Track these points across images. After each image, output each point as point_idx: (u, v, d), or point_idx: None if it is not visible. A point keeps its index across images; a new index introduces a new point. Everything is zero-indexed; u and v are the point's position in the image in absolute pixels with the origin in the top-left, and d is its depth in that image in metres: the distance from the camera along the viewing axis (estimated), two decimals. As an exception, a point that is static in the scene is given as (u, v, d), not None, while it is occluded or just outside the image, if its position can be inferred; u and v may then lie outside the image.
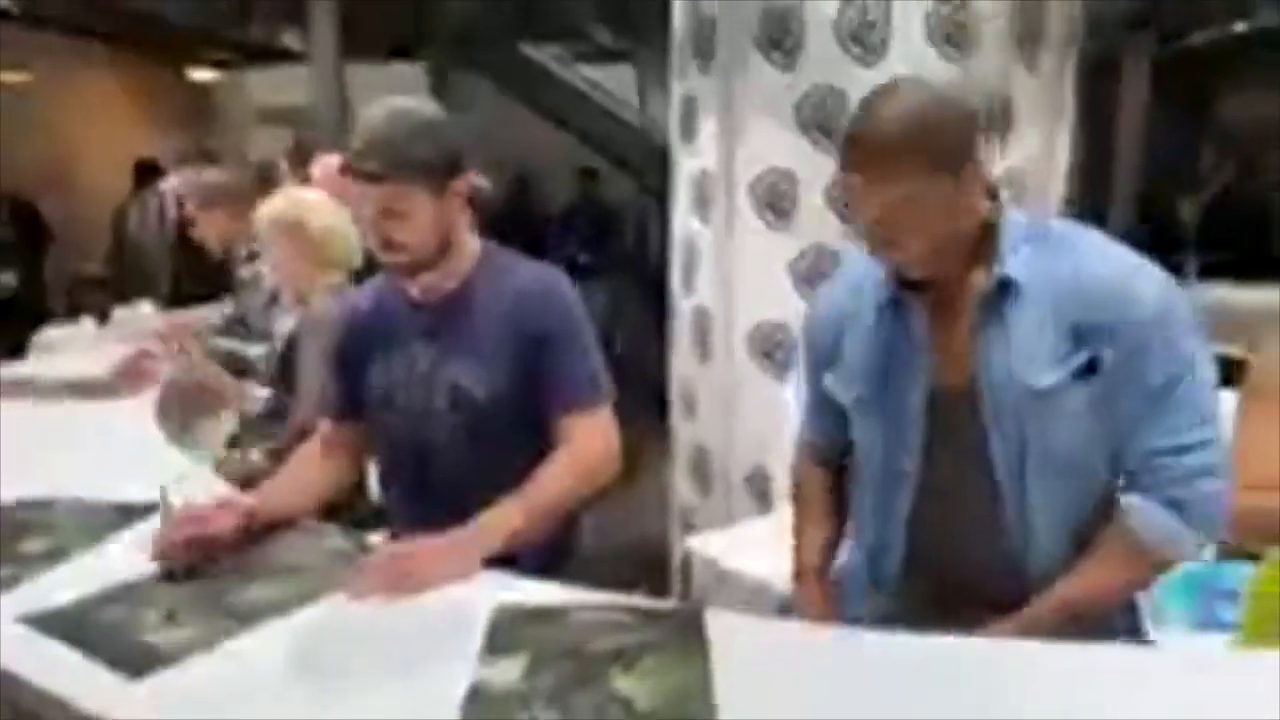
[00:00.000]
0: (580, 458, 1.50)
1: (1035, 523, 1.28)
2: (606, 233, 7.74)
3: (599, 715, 1.01)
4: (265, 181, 3.86)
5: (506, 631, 1.19)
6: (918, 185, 1.18)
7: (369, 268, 1.87)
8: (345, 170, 1.46)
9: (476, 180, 1.54)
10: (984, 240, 1.27)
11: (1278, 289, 5.10)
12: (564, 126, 8.33)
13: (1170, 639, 1.95)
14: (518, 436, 1.53)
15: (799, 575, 1.50)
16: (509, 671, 1.09)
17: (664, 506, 3.38)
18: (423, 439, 1.56)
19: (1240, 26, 8.42)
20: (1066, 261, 1.24)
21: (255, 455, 2.13)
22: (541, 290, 1.55)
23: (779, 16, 2.64)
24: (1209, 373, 1.25)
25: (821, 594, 1.46)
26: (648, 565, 3.34)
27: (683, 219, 3.16)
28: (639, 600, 1.28)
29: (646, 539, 3.45)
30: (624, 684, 1.07)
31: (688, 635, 1.18)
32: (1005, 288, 1.25)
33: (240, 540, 1.44)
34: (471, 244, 1.58)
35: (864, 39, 2.56)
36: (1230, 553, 2.28)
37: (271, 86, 8.97)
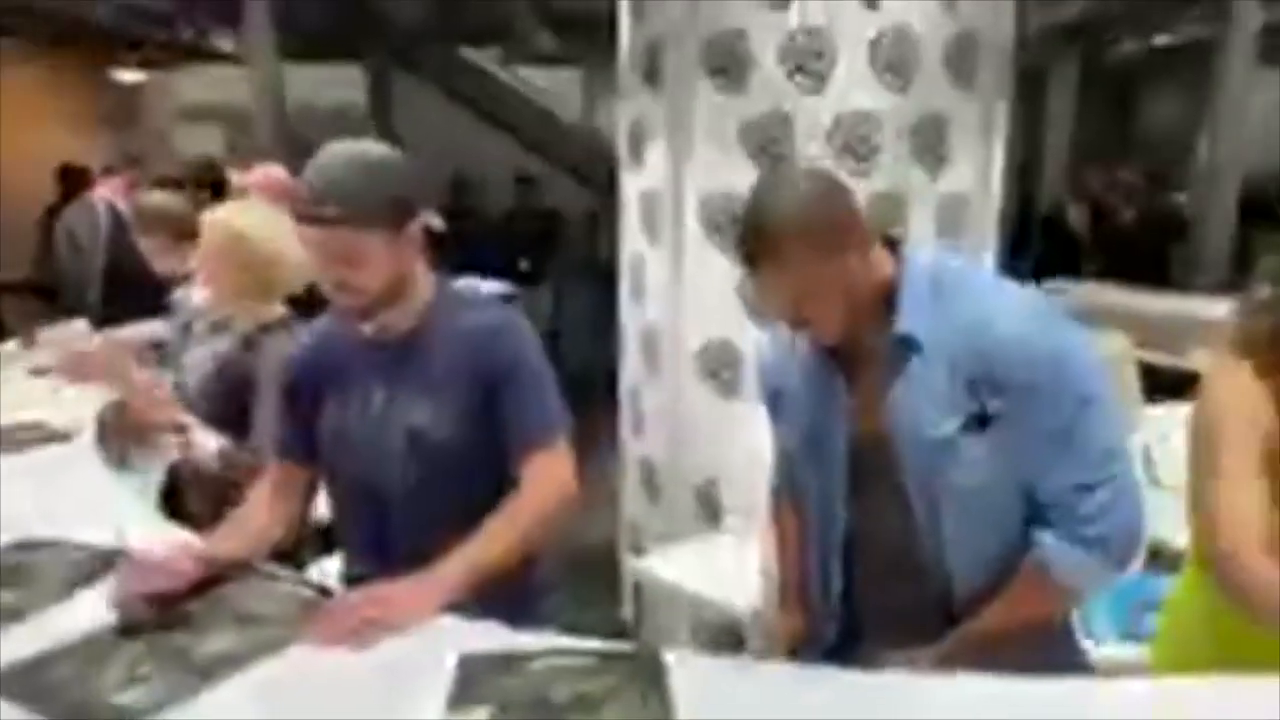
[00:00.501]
0: (539, 498, 1.51)
1: (954, 561, 1.35)
2: (549, 238, 7.71)
3: None
4: (209, 182, 3.75)
5: (471, 682, 1.19)
6: (815, 269, 1.26)
7: (310, 301, 1.83)
8: (300, 218, 1.44)
9: (431, 220, 1.54)
10: (889, 294, 1.33)
11: (1191, 297, 5.33)
12: (506, 130, 8.30)
13: (1098, 649, 2.04)
14: (475, 477, 1.53)
15: (784, 604, 1.59)
16: None
17: (613, 513, 3.41)
18: (378, 481, 1.56)
19: (1162, 39, 8.75)
20: (963, 311, 1.30)
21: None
22: (497, 329, 1.55)
23: (724, 43, 2.68)
24: (1111, 407, 1.32)
25: (803, 626, 1.54)
26: (597, 573, 3.38)
27: (631, 238, 3.19)
28: (598, 644, 1.30)
29: (595, 546, 3.47)
30: None
31: (648, 680, 1.20)
32: (905, 343, 1.31)
33: (196, 587, 1.43)
34: (426, 283, 1.58)
35: (808, 66, 2.62)
36: (1156, 565, 2.39)
37: (199, 85, 8.76)
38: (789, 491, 1.58)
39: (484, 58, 8.77)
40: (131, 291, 3.28)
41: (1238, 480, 1.37)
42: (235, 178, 3.56)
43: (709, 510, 2.97)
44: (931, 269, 1.34)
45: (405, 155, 1.50)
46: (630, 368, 3.27)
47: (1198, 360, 3.64)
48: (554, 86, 9.07)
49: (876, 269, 1.33)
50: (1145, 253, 6.11)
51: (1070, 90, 9.37)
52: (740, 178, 2.72)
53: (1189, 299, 5.28)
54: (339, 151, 1.45)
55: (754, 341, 1.65)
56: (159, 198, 2.87)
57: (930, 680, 1.25)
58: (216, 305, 2.14)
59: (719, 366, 2.88)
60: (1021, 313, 1.30)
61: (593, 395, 3.46)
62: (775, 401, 1.52)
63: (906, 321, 1.31)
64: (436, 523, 1.48)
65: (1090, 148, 9.27)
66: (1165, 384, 3.52)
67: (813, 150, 2.65)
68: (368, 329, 1.56)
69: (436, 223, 1.57)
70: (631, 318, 3.24)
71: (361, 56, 8.75)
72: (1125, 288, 5.45)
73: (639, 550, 3.08)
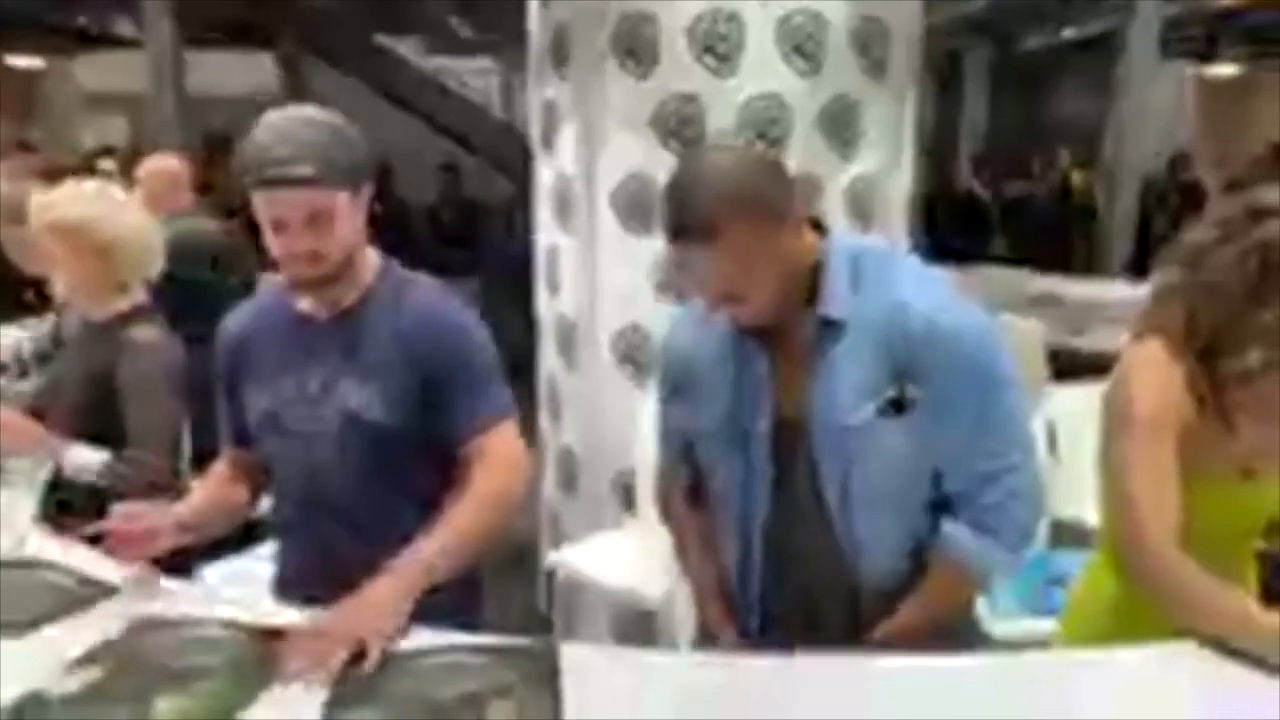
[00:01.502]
0: (494, 483, 1.44)
1: (866, 548, 1.35)
2: (472, 228, 7.60)
3: None
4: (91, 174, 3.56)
5: (354, 684, 1.14)
6: (750, 243, 1.22)
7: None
8: (265, 182, 1.35)
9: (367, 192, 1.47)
10: (813, 276, 1.31)
11: (1096, 281, 5.50)
12: (423, 119, 8.15)
13: (1004, 625, 2.08)
14: (414, 461, 1.48)
15: (703, 603, 1.52)
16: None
17: (533, 505, 3.37)
18: (314, 463, 1.48)
19: (1070, 32, 9.01)
20: (885, 297, 1.29)
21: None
22: (442, 310, 1.50)
23: (632, 26, 2.65)
24: (1020, 398, 1.33)
25: (730, 616, 1.48)
26: (518, 565, 3.33)
27: (545, 226, 3.14)
28: (488, 639, 1.25)
29: (514, 538, 3.41)
30: None
31: (538, 675, 1.16)
32: (828, 327, 1.30)
33: (172, 542, 1.44)
34: (370, 258, 1.51)
35: (716, 48, 2.60)
36: (1061, 540, 2.45)
37: (102, 73, 8.41)
38: (687, 479, 1.52)
39: (402, 46, 8.60)
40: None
41: (1149, 467, 1.36)
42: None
43: (626, 499, 2.94)
44: (854, 252, 1.33)
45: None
46: (547, 357, 3.22)
47: (1102, 341, 3.74)
48: (472, 76, 8.94)
49: (806, 249, 1.31)
50: (1052, 237, 6.29)
51: (983, 82, 9.61)
52: (652, 161, 2.69)
53: (1094, 282, 5.45)
54: (293, 115, 1.40)
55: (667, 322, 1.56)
56: (14, 186, 2.67)
57: (835, 659, 1.24)
58: (67, 296, 2.00)
59: (634, 353, 2.85)
60: (941, 299, 1.30)
61: (520, 389, 3.40)
62: (682, 382, 1.45)
63: (830, 304, 1.29)
64: (373, 508, 1.44)
65: (1003, 138, 9.52)
66: (1070, 365, 3.62)
67: (724, 134, 2.63)
68: (307, 305, 1.49)
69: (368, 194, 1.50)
70: (547, 306, 3.19)
71: (272, 43, 8.50)
72: (1033, 271, 5.59)
73: (558, 541, 3.04)
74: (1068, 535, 2.44)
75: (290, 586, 1.56)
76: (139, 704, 1.09)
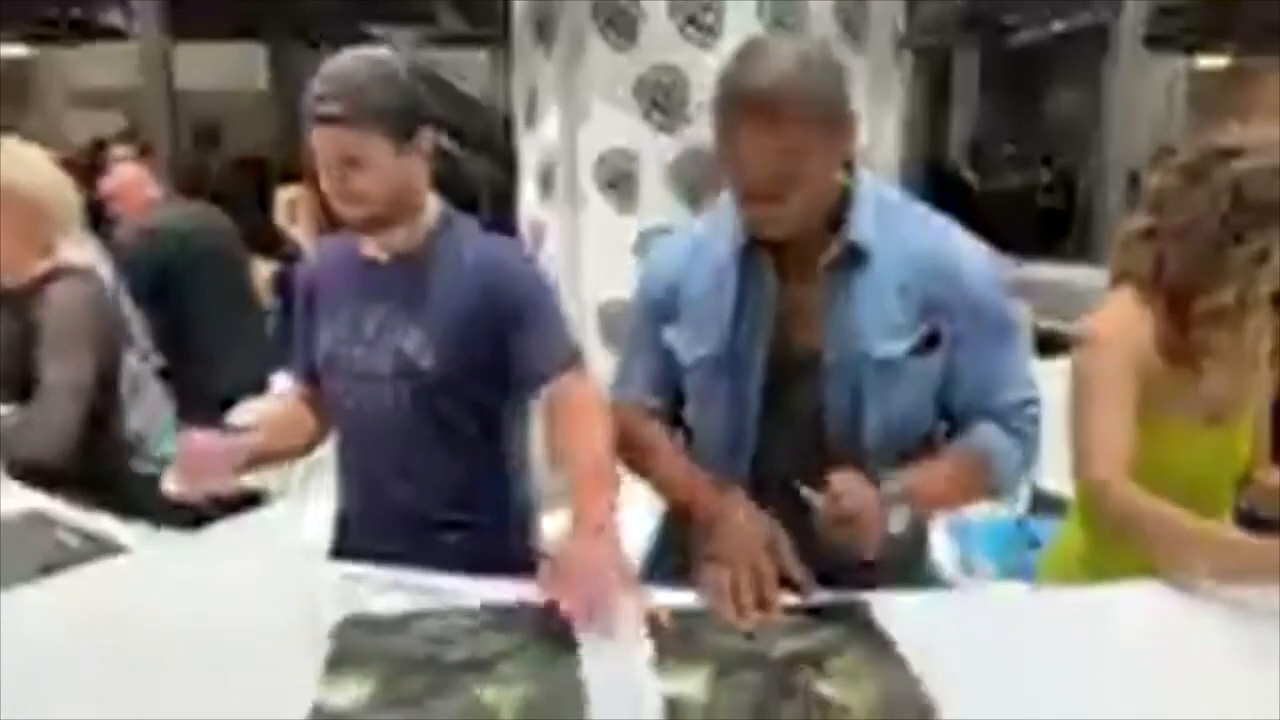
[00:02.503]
0: (591, 408, 1.39)
1: (874, 479, 1.28)
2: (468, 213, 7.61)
3: None
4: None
5: (351, 647, 1.08)
6: (808, 134, 1.18)
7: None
8: (309, 118, 1.38)
9: (441, 140, 1.48)
10: (838, 205, 1.29)
11: (1083, 267, 5.53)
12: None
13: (979, 586, 2.09)
14: (462, 410, 1.46)
15: (691, 497, 1.32)
16: (357, 692, 1.00)
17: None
18: (366, 405, 1.49)
19: (1058, 26, 9.05)
20: (910, 232, 1.29)
21: None
22: (508, 259, 1.50)
23: (615, -2, 2.66)
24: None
25: (726, 490, 1.31)
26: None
27: (528, 201, 3.15)
28: (485, 601, 1.20)
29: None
30: (489, 693, 0.99)
31: (545, 629, 1.11)
32: (854, 254, 1.27)
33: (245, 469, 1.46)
34: (433, 206, 1.51)
35: (699, 20, 2.61)
36: (1039, 510, 2.46)
37: (95, 68, 8.41)
38: (659, 411, 1.45)
39: (392, 38, 8.60)
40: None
41: (1111, 410, 1.37)
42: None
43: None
44: (877, 189, 1.31)
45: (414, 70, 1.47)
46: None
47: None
48: (464, 68, 8.94)
49: (841, 168, 1.28)
50: (1040, 227, 6.32)
51: (972, 75, 9.64)
52: (634, 135, 2.71)
53: (1081, 268, 5.47)
54: (349, 56, 1.42)
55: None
56: None
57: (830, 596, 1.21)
58: None
59: (618, 328, 2.86)
60: (962, 241, 1.32)
61: None
62: (670, 310, 1.37)
63: (859, 231, 1.26)
64: (423, 453, 1.45)
65: (992, 130, 9.55)
66: (1052, 347, 3.63)
67: (706, 105, 2.64)
68: (371, 248, 1.50)
69: (448, 144, 1.51)
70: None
71: (261, 35, 8.50)
72: (1019, 259, 5.62)
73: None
74: (1046, 505, 2.45)
75: (348, 526, 1.59)
76: (447, 702, 1.00)
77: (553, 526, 2.58)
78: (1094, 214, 7.30)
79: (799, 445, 1.32)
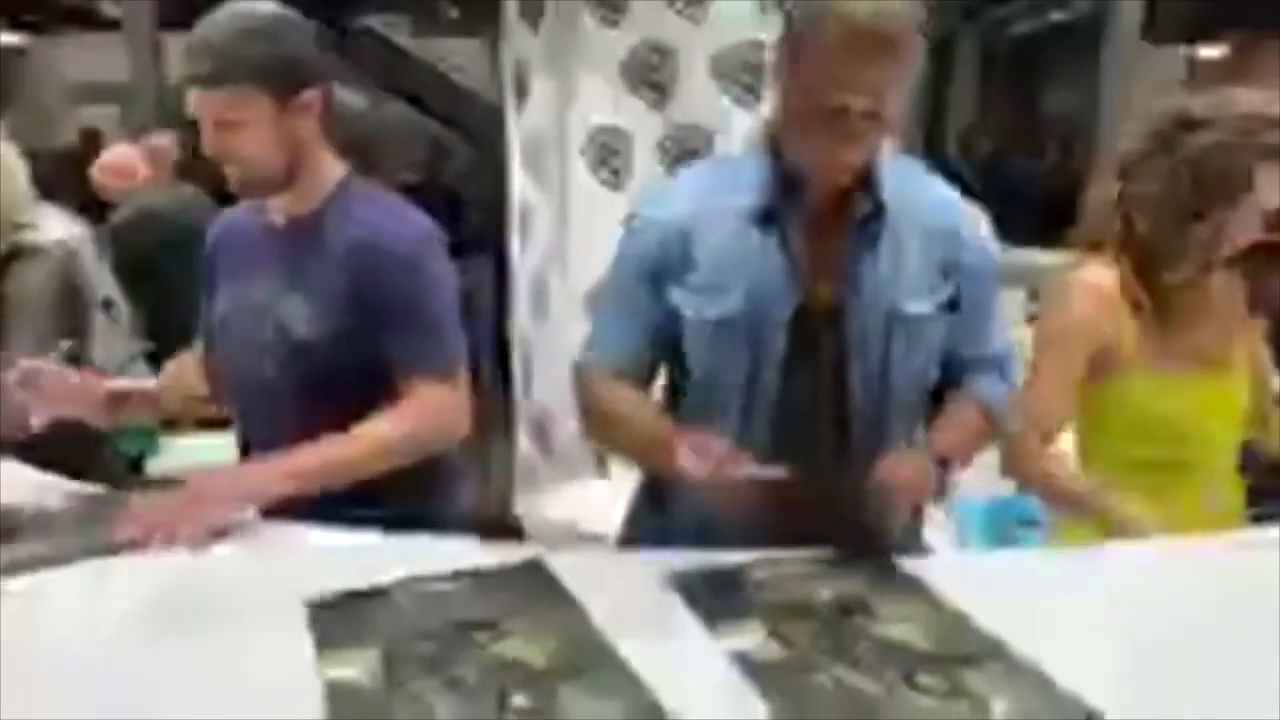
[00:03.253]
0: (419, 419, 1.39)
1: (893, 436, 1.31)
2: (459, 207, 7.58)
3: (499, 688, 0.89)
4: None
5: (336, 624, 1.04)
6: (909, 68, 1.17)
7: None
8: (183, 79, 1.34)
9: (335, 92, 1.43)
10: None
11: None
12: (408, 100, 8.11)
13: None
14: (355, 383, 1.41)
15: (669, 445, 1.21)
16: (365, 665, 0.95)
17: (507, 464, 3.34)
18: (252, 374, 1.46)
19: (1056, 16, 9.01)
20: (922, 190, 1.30)
21: None
22: (392, 237, 1.41)
23: (604, -29, 2.62)
24: None
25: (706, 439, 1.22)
26: (490, 528, 3.30)
27: (518, 182, 3.11)
28: (468, 565, 1.17)
29: (490, 504, 3.39)
30: (507, 648, 0.97)
31: (542, 587, 1.11)
32: (876, 212, 1.26)
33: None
34: (331, 167, 1.45)
35: (688, -6, 2.57)
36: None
37: (83, 56, 8.37)
38: (632, 375, 1.36)
39: (386, 25, 8.55)
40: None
41: (1050, 377, 1.46)
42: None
43: (600, 455, 2.91)
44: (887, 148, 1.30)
45: (300, 18, 1.39)
46: (520, 314, 3.19)
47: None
48: (463, 56, 8.90)
49: None
50: (1038, 215, 6.28)
51: (972, 65, 9.60)
52: (623, 111, 2.67)
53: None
54: (225, 10, 1.36)
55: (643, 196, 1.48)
56: None
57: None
58: None
59: (607, 307, 2.83)
60: (963, 201, 1.34)
61: (504, 365, 3.39)
62: (678, 264, 1.29)
63: (884, 189, 1.25)
64: (306, 424, 1.39)
65: (991, 119, 9.52)
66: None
67: (696, 82, 2.61)
68: (272, 211, 1.46)
69: (352, 98, 1.47)
70: (521, 266, 3.16)
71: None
72: (1014, 245, 5.60)
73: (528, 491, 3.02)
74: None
75: None
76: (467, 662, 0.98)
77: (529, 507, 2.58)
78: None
79: (818, 404, 1.30)
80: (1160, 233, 1.40)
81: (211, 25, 1.33)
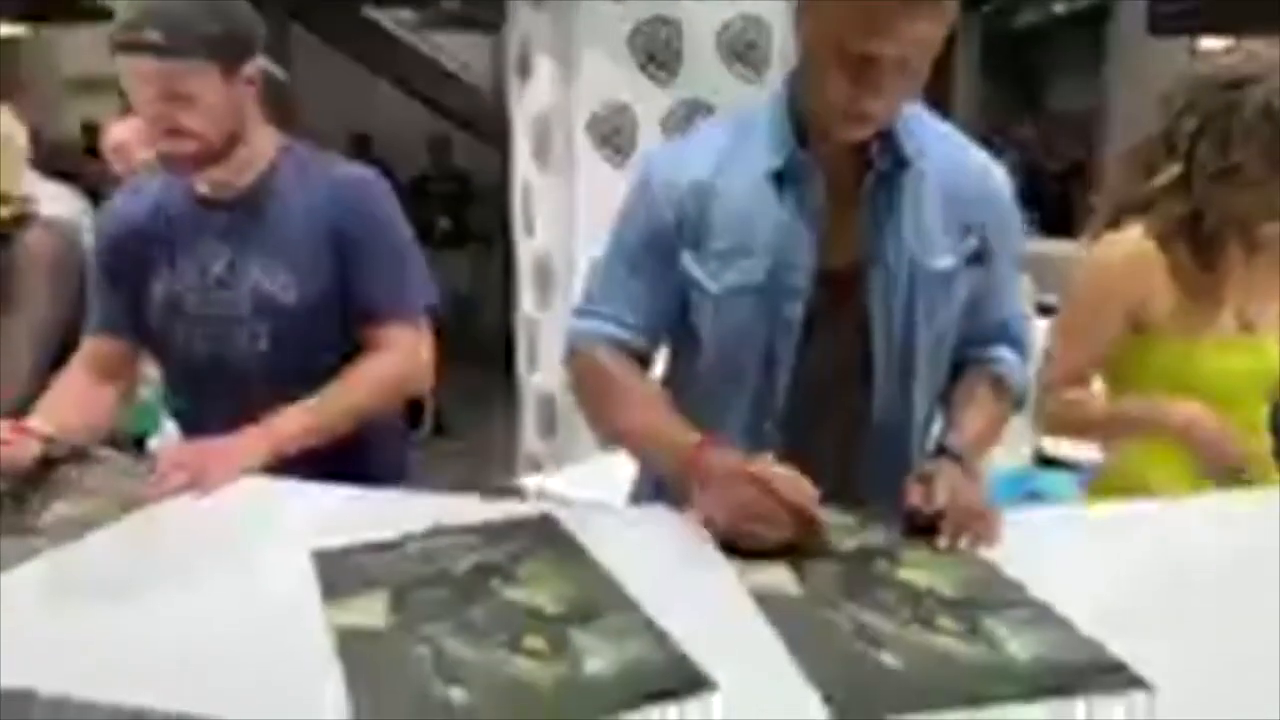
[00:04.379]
0: (379, 368, 1.43)
1: (913, 400, 1.28)
2: (464, 200, 7.57)
3: (512, 630, 0.87)
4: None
5: (343, 573, 1.00)
6: (946, 22, 1.11)
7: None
8: (121, 45, 1.31)
9: (267, 65, 1.42)
10: None
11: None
12: (412, 93, 8.11)
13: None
14: (331, 343, 1.44)
15: (696, 452, 1.15)
16: (372, 610, 0.92)
17: (511, 449, 3.33)
18: (222, 349, 1.45)
19: (1060, 8, 8.99)
20: (941, 146, 1.25)
21: None
22: (356, 185, 1.45)
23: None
24: None
25: (729, 454, 1.15)
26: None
27: (522, 162, 3.10)
28: (480, 518, 1.14)
29: (492, 483, 3.38)
30: (519, 594, 0.95)
31: (553, 537, 1.08)
32: (902, 166, 1.22)
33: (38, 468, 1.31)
34: (266, 137, 1.46)
35: (694, -30, 2.56)
36: (1042, 460, 2.43)
37: (83, 47, 8.35)
38: (637, 348, 1.28)
39: (390, 20, 8.54)
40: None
41: (1080, 332, 1.50)
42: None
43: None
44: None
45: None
46: (524, 298, 3.18)
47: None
48: (464, 51, 8.89)
49: None
50: (1044, 205, 6.27)
51: (974, 55, 9.58)
52: (629, 87, 2.66)
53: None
54: None
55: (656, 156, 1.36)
56: None
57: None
58: None
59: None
60: (982, 155, 1.30)
61: (509, 355, 3.38)
62: (691, 227, 1.23)
63: (907, 144, 1.21)
64: (292, 393, 1.38)
65: (994, 110, 9.49)
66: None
67: (702, 57, 2.60)
68: (201, 186, 1.44)
69: (277, 71, 1.46)
70: (524, 248, 3.15)
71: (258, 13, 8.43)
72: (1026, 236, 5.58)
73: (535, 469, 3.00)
74: (1047, 462, 2.44)
75: None
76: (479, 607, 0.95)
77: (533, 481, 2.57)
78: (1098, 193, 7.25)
79: (840, 368, 1.26)
80: (1204, 131, 1.39)
81: None
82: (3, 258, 1.81)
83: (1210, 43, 8.72)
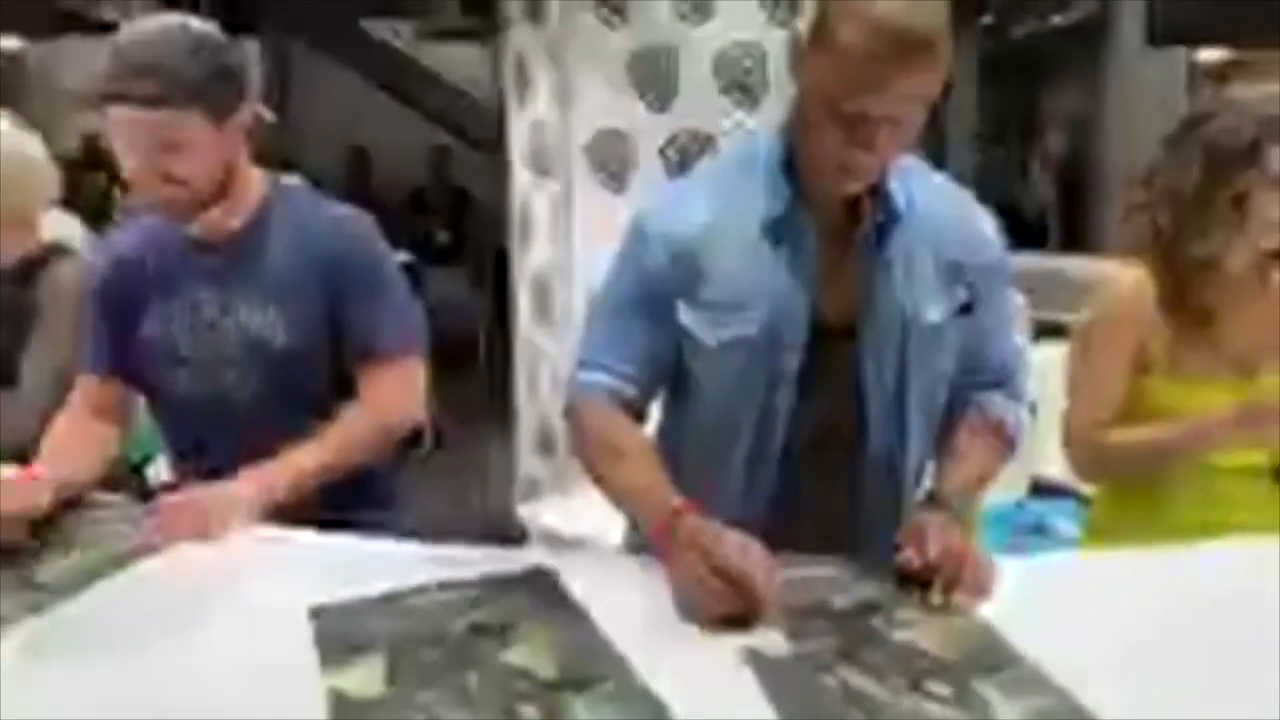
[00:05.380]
0: (373, 411, 1.43)
1: (908, 448, 1.29)
2: (463, 213, 7.57)
3: (507, 699, 0.87)
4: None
5: (339, 631, 1.00)
6: (937, 86, 1.13)
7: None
8: (110, 96, 1.31)
9: (260, 110, 1.43)
10: None
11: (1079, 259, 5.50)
12: (410, 105, 8.12)
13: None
14: (324, 383, 1.44)
15: (669, 517, 1.13)
16: (368, 674, 0.92)
17: (508, 471, 3.34)
18: (214, 392, 1.45)
19: (1058, 19, 9.00)
20: (931, 196, 1.26)
21: None
22: (344, 226, 1.47)
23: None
24: None
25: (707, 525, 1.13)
26: (492, 538, 3.29)
27: (519, 182, 3.11)
28: (477, 573, 1.14)
29: (491, 511, 3.39)
30: (514, 657, 0.94)
31: (549, 594, 1.08)
32: (894, 220, 1.22)
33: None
34: (255, 179, 1.47)
35: (692, -2, 2.58)
36: (1036, 491, 2.44)
37: (84, 62, 8.35)
38: (633, 402, 1.27)
39: (388, 32, 8.56)
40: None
41: (1097, 370, 1.47)
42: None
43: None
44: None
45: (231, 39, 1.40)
46: (522, 319, 3.19)
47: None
48: (463, 64, 8.90)
49: None
50: (1041, 219, 6.29)
51: (971, 68, 9.59)
52: (626, 113, 2.67)
53: (1077, 259, 5.44)
54: (154, 24, 1.34)
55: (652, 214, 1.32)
56: None
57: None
58: None
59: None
60: (972, 203, 1.31)
61: (506, 370, 3.39)
62: (685, 279, 1.22)
63: (899, 196, 1.21)
64: (287, 434, 1.38)
65: (992, 123, 9.51)
66: (1053, 335, 3.61)
67: (699, 84, 2.61)
68: (193, 228, 1.45)
69: (266, 113, 1.47)
70: (521, 269, 3.16)
71: (257, 32, 8.45)
72: (1015, 250, 5.60)
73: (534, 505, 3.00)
74: (1044, 490, 2.44)
75: None
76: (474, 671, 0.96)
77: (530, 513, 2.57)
78: (1094, 207, 7.26)
79: (834, 420, 1.27)
80: (1182, 218, 1.42)
81: (148, 41, 1.31)
82: (29, 291, 1.80)
83: (1208, 54, 8.75)
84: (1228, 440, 1.39)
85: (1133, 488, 1.51)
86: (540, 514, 2.53)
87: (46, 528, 1.30)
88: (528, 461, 3.21)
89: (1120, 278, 1.50)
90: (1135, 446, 1.44)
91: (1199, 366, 1.45)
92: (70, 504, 1.36)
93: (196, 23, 1.36)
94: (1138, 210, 1.48)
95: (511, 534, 3.26)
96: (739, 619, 1.01)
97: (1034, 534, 2.19)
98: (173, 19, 1.35)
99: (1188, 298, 1.44)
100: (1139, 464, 1.47)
